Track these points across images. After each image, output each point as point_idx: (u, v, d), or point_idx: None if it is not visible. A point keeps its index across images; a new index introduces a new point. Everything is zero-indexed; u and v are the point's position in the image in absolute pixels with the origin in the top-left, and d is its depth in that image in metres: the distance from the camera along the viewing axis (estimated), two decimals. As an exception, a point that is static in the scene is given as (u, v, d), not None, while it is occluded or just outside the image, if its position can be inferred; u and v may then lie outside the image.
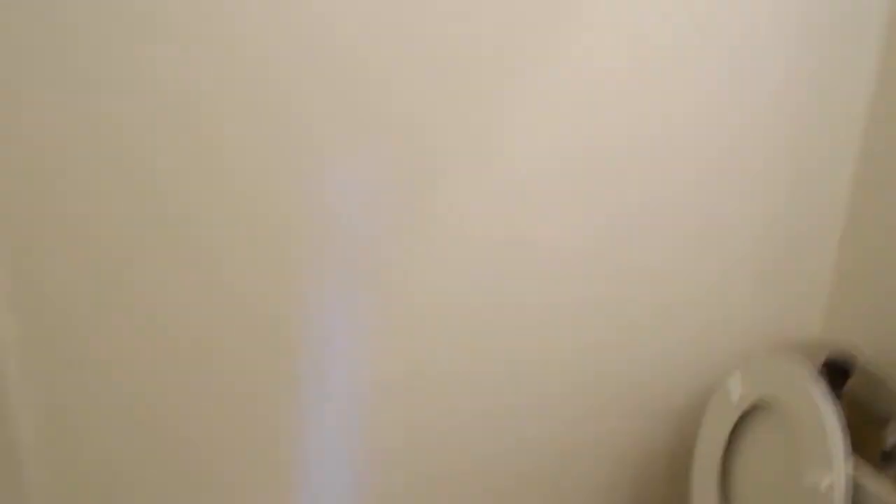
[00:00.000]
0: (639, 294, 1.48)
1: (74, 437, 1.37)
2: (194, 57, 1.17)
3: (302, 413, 1.44)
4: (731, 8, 1.33)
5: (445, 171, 1.32)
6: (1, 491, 1.32)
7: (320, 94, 1.23)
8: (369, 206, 1.31)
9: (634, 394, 1.58)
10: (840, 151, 1.48)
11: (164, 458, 1.44)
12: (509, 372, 1.49)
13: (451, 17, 1.23)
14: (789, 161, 1.45)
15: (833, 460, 1.16)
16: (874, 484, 1.16)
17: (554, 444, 1.60)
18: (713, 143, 1.41)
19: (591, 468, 1.65)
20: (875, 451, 1.27)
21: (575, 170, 1.36)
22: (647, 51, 1.32)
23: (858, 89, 1.44)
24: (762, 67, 1.38)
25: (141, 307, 1.29)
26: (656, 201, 1.42)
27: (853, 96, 1.45)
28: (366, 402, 1.45)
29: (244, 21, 1.17)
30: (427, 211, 1.33)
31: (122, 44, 1.14)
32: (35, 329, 1.26)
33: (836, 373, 1.42)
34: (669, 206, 1.43)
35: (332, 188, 1.28)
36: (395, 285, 1.37)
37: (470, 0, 1.23)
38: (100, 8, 1.12)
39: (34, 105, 1.15)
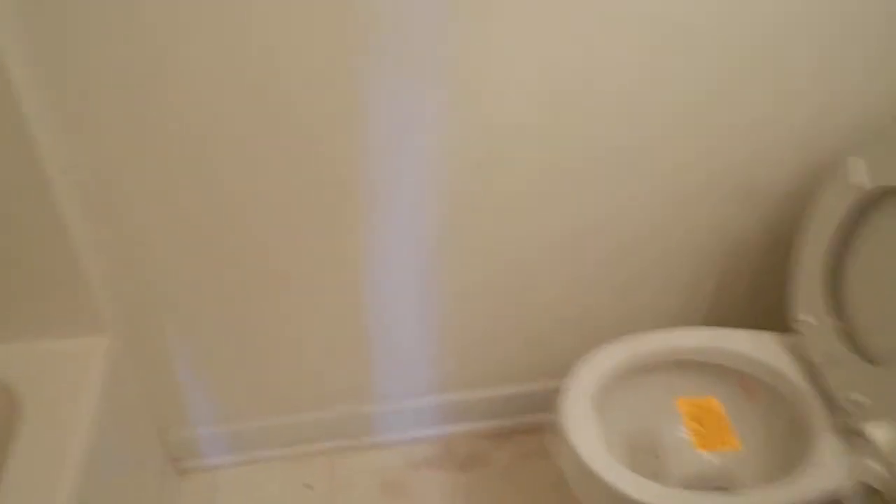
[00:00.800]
0: (750, 64, 1.27)
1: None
2: None
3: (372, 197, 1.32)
4: None
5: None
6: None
7: None
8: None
9: (738, 174, 1.41)
10: None
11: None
12: (592, 159, 1.34)
13: None
14: None
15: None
16: None
17: (645, 225, 1.46)
18: None
19: (683, 254, 1.53)
20: None
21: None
22: None
23: None
24: None
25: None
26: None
27: None
28: (439, 187, 1.33)
29: None
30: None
31: None
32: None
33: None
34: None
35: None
36: (467, 64, 1.18)
37: None
38: None
39: None
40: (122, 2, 1.02)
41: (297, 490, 1.63)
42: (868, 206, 1.23)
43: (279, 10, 1.07)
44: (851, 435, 1.21)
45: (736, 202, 1.45)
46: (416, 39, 1.13)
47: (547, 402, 1.61)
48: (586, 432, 1.23)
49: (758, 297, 1.60)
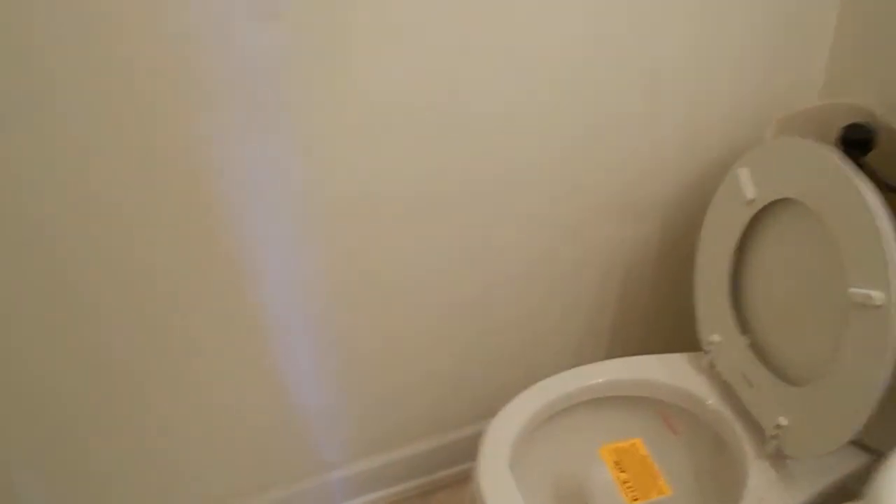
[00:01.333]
0: (618, 78, 1.20)
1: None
2: None
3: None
4: None
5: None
6: None
7: None
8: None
9: (621, 196, 1.34)
10: None
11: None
12: (475, 192, 1.23)
13: None
14: None
15: (886, 267, 0.95)
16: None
17: (537, 259, 1.38)
18: None
19: (580, 286, 1.45)
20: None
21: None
22: None
23: None
24: None
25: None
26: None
27: None
28: (316, 229, 1.18)
29: None
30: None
31: None
32: None
33: (854, 145, 1.19)
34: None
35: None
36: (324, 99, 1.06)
37: None
38: None
39: None
40: None
41: None
42: (758, 217, 1.17)
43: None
44: (781, 459, 1.16)
45: (628, 218, 1.38)
46: (269, 86, 1.01)
47: (465, 450, 1.52)
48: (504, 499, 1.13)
49: (663, 317, 1.54)
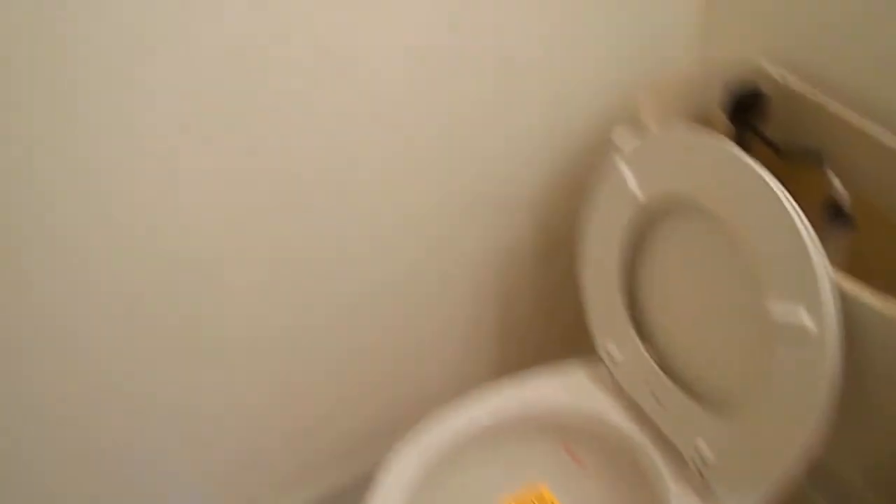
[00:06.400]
0: (476, 68, 0.99)
1: None
2: None
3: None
4: None
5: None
6: None
7: None
8: None
9: (486, 198, 1.16)
10: None
11: None
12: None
13: None
14: None
15: (807, 278, 0.78)
16: (867, 296, 0.79)
17: (401, 276, 1.17)
18: None
19: (451, 301, 1.25)
20: (810, 206, 0.87)
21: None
22: None
23: None
24: None
25: None
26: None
27: None
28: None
29: None
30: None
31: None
32: None
33: (743, 110, 1.02)
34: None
35: None
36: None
37: None
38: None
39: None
40: None
41: None
42: (650, 213, 0.99)
43: None
44: (706, 487, 1.01)
45: (496, 222, 1.18)
46: None
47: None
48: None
49: (551, 324, 1.36)
